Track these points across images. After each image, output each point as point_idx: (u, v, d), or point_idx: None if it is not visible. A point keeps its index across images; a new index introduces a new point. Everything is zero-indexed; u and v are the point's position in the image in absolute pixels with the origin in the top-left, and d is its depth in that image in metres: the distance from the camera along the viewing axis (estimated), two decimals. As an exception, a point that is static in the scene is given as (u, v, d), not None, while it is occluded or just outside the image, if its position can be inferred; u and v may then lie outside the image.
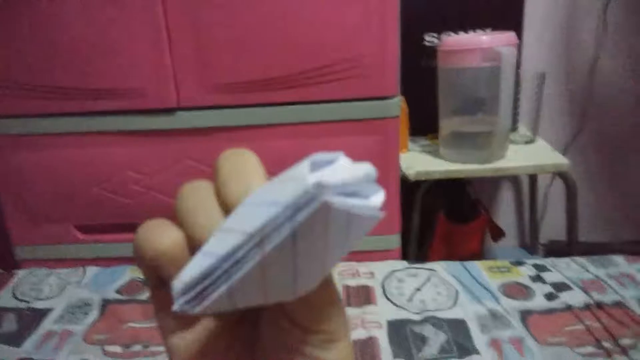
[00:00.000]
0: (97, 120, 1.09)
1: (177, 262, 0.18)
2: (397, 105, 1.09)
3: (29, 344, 0.81)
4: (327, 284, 0.19)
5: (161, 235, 0.18)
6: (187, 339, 0.20)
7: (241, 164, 0.18)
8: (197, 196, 0.19)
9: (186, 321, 0.20)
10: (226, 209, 0.18)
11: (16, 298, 0.94)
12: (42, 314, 0.89)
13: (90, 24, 1.02)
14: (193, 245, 0.18)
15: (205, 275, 0.16)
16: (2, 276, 1.02)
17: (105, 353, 0.77)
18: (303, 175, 0.15)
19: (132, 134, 1.10)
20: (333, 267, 0.18)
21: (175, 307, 0.17)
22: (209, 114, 1.08)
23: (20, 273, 1.03)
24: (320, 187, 0.14)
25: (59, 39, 1.04)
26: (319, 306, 0.19)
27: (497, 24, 1.38)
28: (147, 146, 1.11)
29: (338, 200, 0.15)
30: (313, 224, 0.15)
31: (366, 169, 0.16)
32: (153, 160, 1.11)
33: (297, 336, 0.20)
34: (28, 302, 0.93)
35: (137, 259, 0.19)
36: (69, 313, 0.89)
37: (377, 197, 0.17)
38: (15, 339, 0.82)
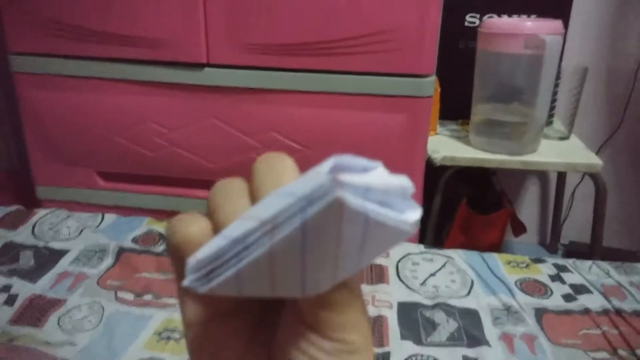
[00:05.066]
0: (124, 68, 1.08)
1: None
2: (430, 85, 1.06)
3: (44, 282, 0.83)
4: (345, 287, 0.18)
5: (189, 223, 0.19)
6: (207, 331, 0.20)
7: (278, 166, 0.18)
8: (229, 190, 0.19)
9: (210, 314, 0.20)
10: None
11: (35, 236, 0.96)
12: (59, 254, 0.91)
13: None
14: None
15: (216, 256, 0.16)
16: (22, 213, 1.03)
17: (117, 299, 0.78)
18: (323, 171, 0.14)
19: (159, 86, 1.09)
20: (349, 273, 0.17)
21: (185, 282, 0.17)
22: (238, 74, 1.06)
23: (40, 212, 1.04)
24: (335, 182, 0.14)
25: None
26: (333, 310, 0.18)
27: (544, 11, 1.32)
28: (173, 100, 1.10)
29: (354, 200, 0.14)
30: (324, 219, 0.14)
31: (402, 181, 0.16)
32: (177, 115, 1.11)
33: (310, 339, 0.19)
34: (46, 241, 0.94)
35: (167, 247, 0.19)
36: (85, 257, 0.90)
37: (412, 214, 0.16)
38: (31, 275, 0.83)
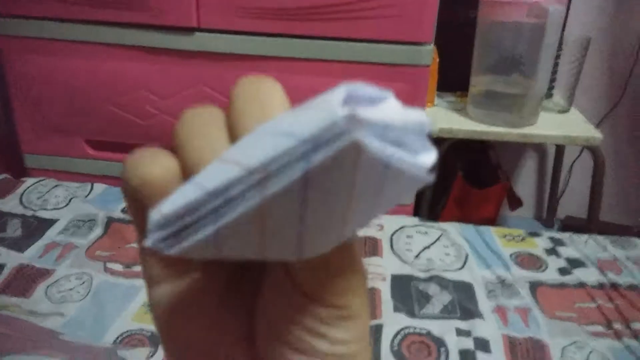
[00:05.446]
0: (113, 31, 1.04)
1: (167, 195, 0.14)
2: (429, 53, 1.02)
3: (32, 251, 0.81)
4: (348, 248, 0.16)
5: (150, 162, 0.15)
6: (174, 292, 0.17)
7: (262, 92, 0.15)
8: (201, 120, 0.15)
9: (175, 271, 0.17)
10: (236, 141, 0.14)
11: (23, 205, 0.94)
12: (47, 223, 0.89)
13: None
14: (189, 177, 0.14)
15: (188, 210, 0.13)
16: (10, 182, 1.01)
17: (106, 269, 0.77)
18: (333, 104, 0.11)
19: (148, 51, 1.05)
20: (355, 230, 0.15)
21: (148, 242, 0.14)
22: (230, 39, 1.02)
23: (29, 181, 1.02)
24: (353, 120, 0.11)
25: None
26: (335, 274, 0.15)
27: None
28: (163, 66, 1.06)
29: (374, 144, 0.11)
30: (335, 168, 0.11)
31: (419, 116, 0.13)
32: (168, 82, 1.07)
33: (305, 307, 0.16)
34: (34, 210, 0.92)
35: (123, 190, 0.16)
36: (74, 226, 0.88)
37: (428, 156, 0.13)
38: (18, 245, 0.82)
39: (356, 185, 0.12)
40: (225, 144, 0.15)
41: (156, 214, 0.14)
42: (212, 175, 0.13)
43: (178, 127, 0.16)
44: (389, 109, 0.12)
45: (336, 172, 0.11)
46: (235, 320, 0.18)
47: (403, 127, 0.12)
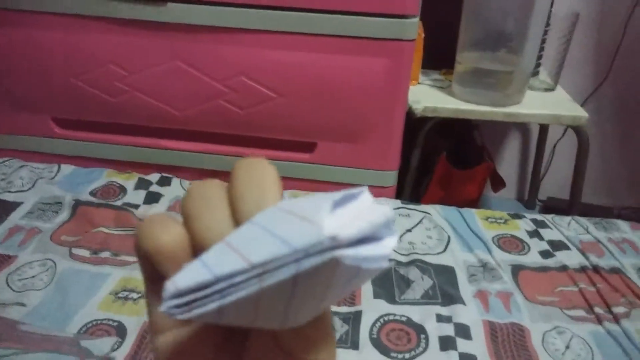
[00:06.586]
0: (80, 2, 0.97)
1: (176, 260, 0.18)
2: (414, 27, 0.98)
3: (-8, 237, 0.77)
4: (323, 319, 0.19)
5: (162, 231, 0.18)
6: (177, 339, 0.20)
7: (259, 176, 0.18)
8: (207, 196, 0.18)
9: (179, 321, 0.20)
10: (235, 217, 0.18)
11: (-16, 187, 0.89)
12: (10, 207, 0.84)
13: None
14: (195, 246, 0.18)
15: (199, 288, 0.17)
16: (-30, 163, 0.95)
17: (72, 256, 0.73)
18: (321, 221, 0.15)
19: (118, 22, 0.99)
20: (330, 305, 0.19)
21: (163, 307, 0.17)
22: (204, 10, 0.96)
23: (-9, 161, 0.96)
24: (334, 240, 0.14)
25: None
26: (312, 339, 0.19)
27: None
28: (133, 39, 1.00)
29: (350, 256, 0.15)
30: (318, 273, 0.15)
31: (387, 214, 0.16)
32: (139, 57, 1.01)
33: None
34: (-3, 193, 0.87)
35: (137, 251, 0.19)
36: (39, 210, 0.84)
37: (389, 242, 0.16)
38: (-22, 230, 0.77)
39: (333, 282, 0.16)
40: (228, 222, 0.18)
41: (171, 286, 0.16)
42: (220, 261, 0.16)
43: (187, 199, 0.19)
44: (362, 209, 0.16)
45: (319, 274, 0.15)
46: None
47: (374, 228, 0.16)
